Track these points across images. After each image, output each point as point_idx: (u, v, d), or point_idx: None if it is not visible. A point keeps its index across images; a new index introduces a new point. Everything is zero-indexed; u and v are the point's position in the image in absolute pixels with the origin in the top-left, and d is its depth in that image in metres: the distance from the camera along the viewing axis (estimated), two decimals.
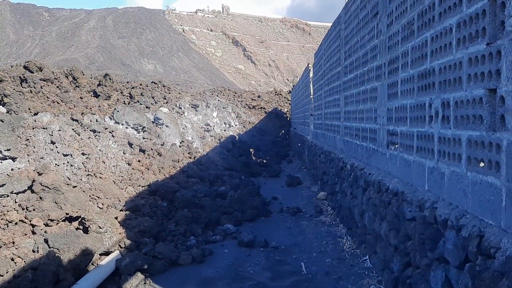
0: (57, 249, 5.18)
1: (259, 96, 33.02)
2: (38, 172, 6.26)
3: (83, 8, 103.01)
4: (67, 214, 5.88)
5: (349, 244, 7.23)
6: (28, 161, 6.61)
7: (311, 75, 16.47)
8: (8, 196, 5.62)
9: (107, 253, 6.10)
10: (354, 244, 7.13)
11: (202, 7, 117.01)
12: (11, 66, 14.09)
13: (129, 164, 8.88)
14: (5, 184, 5.59)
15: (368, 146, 6.86)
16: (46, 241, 5.25)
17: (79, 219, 6.06)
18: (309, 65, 16.84)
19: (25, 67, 12.84)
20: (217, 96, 27.27)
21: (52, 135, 7.45)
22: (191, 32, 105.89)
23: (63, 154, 7.29)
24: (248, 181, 12.85)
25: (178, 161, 10.89)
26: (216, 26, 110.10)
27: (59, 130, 7.71)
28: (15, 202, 5.66)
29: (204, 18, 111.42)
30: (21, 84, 11.03)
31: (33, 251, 5.12)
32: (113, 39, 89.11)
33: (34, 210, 5.62)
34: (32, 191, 5.87)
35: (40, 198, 5.82)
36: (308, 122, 17.34)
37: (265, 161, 18.70)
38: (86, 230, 5.95)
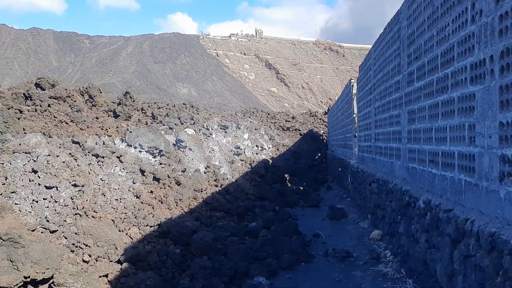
0: None
1: (293, 118, 31.23)
2: None
3: (121, 35, 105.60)
4: (26, 277, 4.17)
5: None
6: None
7: (354, 91, 14.54)
8: None
9: None
10: None
11: (235, 32, 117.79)
12: (26, 83, 12.88)
13: (137, 197, 7.18)
14: None
15: (457, 177, 4.85)
16: None
17: (49, 283, 4.33)
18: (352, 80, 14.93)
19: (37, 84, 11.58)
20: (249, 117, 25.69)
21: (36, 161, 5.85)
22: (225, 56, 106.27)
23: (45, 186, 5.66)
24: (284, 214, 10.92)
25: (201, 191, 9.13)
26: (249, 50, 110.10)
27: (48, 155, 6.11)
28: None
29: (237, 42, 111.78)
30: (25, 102, 9.66)
31: None
32: (149, 64, 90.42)
33: None
34: None
35: None
36: (350, 144, 15.31)
37: (301, 188, 16.73)
38: None
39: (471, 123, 4.43)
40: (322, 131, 30.70)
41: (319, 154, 26.66)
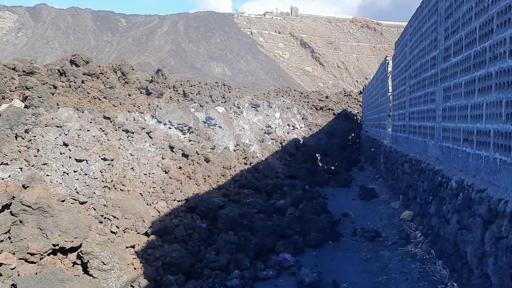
0: None
1: (327, 97, 30.71)
2: (24, 186, 4.79)
3: (157, 14, 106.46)
4: (54, 245, 4.31)
5: None
6: (21, 168, 5.18)
7: (389, 69, 14.09)
8: None
9: None
10: None
11: (270, 10, 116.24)
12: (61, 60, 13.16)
13: (166, 172, 7.26)
14: None
15: (492, 156, 4.63)
16: (14, 287, 3.70)
17: (77, 252, 4.47)
18: (387, 58, 14.46)
19: (71, 61, 11.83)
20: (282, 96, 25.47)
21: (67, 134, 6.00)
22: (259, 34, 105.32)
23: (75, 159, 5.80)
24: (313, 193, 10.83)
25: (230, 168, 9.16)
26: (284, 28, 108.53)
27: (79, 130, 6.25)
28: None
29: (272, 21, 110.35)
30: (59, 78, 9.90)
31: None
32: (184, 43, 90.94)
33: (9, 239, 4.11)
34: (11, 213, 4.38)
35: (21, 222, 4.31)
36: (384, 124, 14.94)
37: (333, 167, 16.53)
38: (86, 267, 4.34)
39: (509, 99, 4.18)
40: (356, 111, 30.08)
41: (353, 134, 26.21)
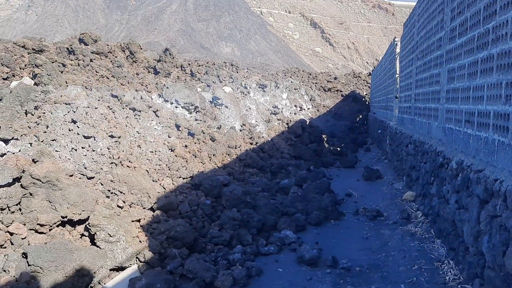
0: (40, 267, 3.78)
1: (335, 78, 30.55)
2: (34, 160, 4.95)
3: None
4: (63, 217, 4.49)
5: (453, 273, 5.15)
6: (31, 144, 5.34)
7: (397, 50, 14.00)
8: None
9: (121, 268, 4.64)
10: (461, 275, 5.04)
11: None
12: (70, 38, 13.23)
13: (172, 150, 7.41)
14: None
15: (491, 137, 4.69)
16: (24, 256, 3.89)
17: (85, 224, 4.65)
18: (396, 39, 14.34)
19: (80, 39, 11.92)
20: (290, 77, 25.41)
21: (75, 112, 6.14)
22: (269, 14, 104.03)
23: (83, 136, 5.95)
24: (318, 173, 10.96)
25: (235, 147, 9.28)
26: (294, 8, 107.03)
27: (87, 107, 6.39)
28: None
29: (282, 0, 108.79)
30: (68, 56, 10.02)
31: (4, 271, 3.77)
32: (193, 22, 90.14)
33: (19, 211, 4.29)
34: (22, 186, 4.55)
35: (31, 194, 4.48)
36: (391, 106, 14.92)
37: (339, 149, 16.60)
38: (93, 239, 4.53)
39: (509, 81, 4.22)
40: (365, 93, 29.92)
41: (360, 116, 26.14)
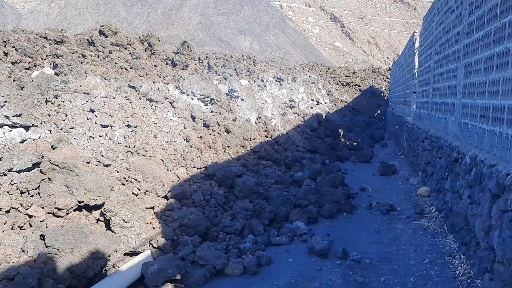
0: (57, 249, 3.93)
1: (354, 73, 30.31)
2: (52, 146, 5.12)
3: None
4: (80, 202, 4.64)
5: (464, 268, 5.14)
6: (50, 131, 5.51)
7: (416, 44, 13.84)
8: (4, 175, 4.50)
9: (135, 253, 4.78)
10: (472, 269, 5.04)
11: None
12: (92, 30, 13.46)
13: (187, 141, 7.53)
14: (0, 159, 4.48)
15: (505, 132, 4.66)
16: (42, 237, 4.04)
17: (100, 209, 4.80)
18: (415, 33, 14.18)
19: (100, 31, 12.14)
20: (308, 71, 25.33)
21: (93, 101, 6.30)
22: (289, 8, 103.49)
23: (101, 124, 6.11)
24: (333, 167, 10.97)
25: (250, 140, 9.36)
26: (314, 2, 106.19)
27: (105, 97, 6.54)
28: (11, 183, 4.54)
29: None
30: (88, 47, 10.22)
31: (23, 251, 3.93)
32: (212, 15, 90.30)
33: (38, 195, 4.45)
34: (41, 171, 4.72)
35: (49, 179, 4.64)
36: (409, 101, 14.79)
37: (355, 143, 16.53)
38: (108, 224, 4.68)
39: None
40: (384, 88, 29.64)
41: (379, 111, 25.93)
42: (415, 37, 14.30)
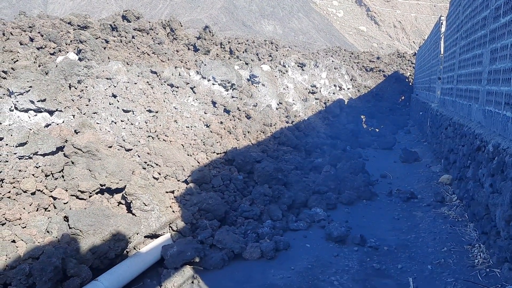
0: (80, 230, 4.08)
1: (378, 58, 29.77)
2: (75, 131, 5.25)
3: None
4: (101, 185, 4.77)
5: (483, 257, 5.10)
6: (73, 115, 5.65)
7: (442, 29, 13.49)
8: (29, 158, 4.66)
9: (155, 236, 4.91)
10: (491, 259, 4.99)
11: None
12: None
13: (207, 126, 7.60)
14: (26, 143, 4.64)
15: None
16: (66, 219, 4.19)
17: (122, 193, 4.93)
18: (442, 17, 13.81)
19: (123, 16, 12.26)
20: (331, 56, 25.01)
21: (116, 86, 6.41)
22: None
23: (123, 109, 6.22)
24: (353, 153, 10.92)
25: (270, 125, 9.38)
26: None
27: (127, 82, 6.65)
28: (36, 166, 4.69)
29: None
30: (111, 33, 10.35)
31: (48, 232, 4.09)
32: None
33: (62, 178, 4.60)
34: (64, 155, 4.86)
35: (72, 163, 4.78)
36: (434, 87, 14.48)
37: (377, 130, 16.35)
38: (129, 207, 4.81)
39: None
40: (409, 73, 29.02)
41: (403, 97, 25.46)
42: (441, 21, 13.93)
